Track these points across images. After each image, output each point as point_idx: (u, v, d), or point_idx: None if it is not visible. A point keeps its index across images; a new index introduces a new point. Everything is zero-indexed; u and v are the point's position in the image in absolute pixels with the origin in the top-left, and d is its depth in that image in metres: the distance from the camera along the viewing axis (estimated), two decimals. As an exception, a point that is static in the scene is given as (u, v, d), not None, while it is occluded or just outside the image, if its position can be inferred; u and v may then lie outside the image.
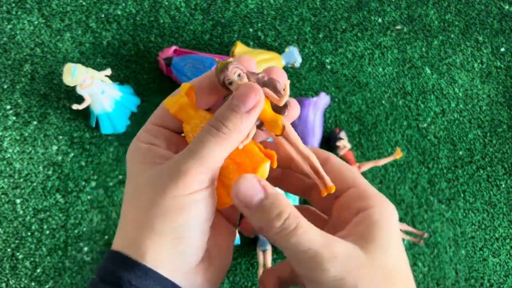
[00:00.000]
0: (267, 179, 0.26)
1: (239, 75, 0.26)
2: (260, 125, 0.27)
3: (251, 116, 0.25)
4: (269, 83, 0.27)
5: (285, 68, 0.75)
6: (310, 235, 0.23)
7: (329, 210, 0.28)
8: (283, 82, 0.27)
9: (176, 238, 0.24)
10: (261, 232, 0.25)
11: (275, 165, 0.27)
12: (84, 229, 0.68)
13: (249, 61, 0.28)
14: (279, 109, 0.27)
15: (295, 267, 0.24)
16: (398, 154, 0.68)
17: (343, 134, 0.69)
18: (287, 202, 0.24)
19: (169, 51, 0.71)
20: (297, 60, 0.72)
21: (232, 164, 0.26)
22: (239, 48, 0.71)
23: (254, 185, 0.24)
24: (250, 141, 0.27)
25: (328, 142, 0.71)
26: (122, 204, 0.27)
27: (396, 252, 0.24)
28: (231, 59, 0.27)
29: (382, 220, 0.25)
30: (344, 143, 0.68)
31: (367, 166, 0.68)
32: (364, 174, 0.71)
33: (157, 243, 0.24)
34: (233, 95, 0.26)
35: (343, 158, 0.69)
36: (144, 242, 0.24)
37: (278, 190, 0.27)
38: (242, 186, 0.24)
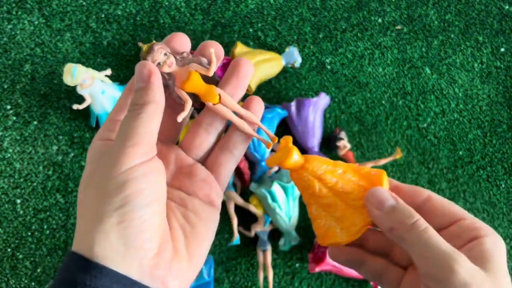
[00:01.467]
0: None
1: (165, 54, 0.28)
2: (197, 98, 0.29)
3: (151, 85, 0.27)
4: (195, 60, 0.29)
5: (285, 68, 0.75)
6: (439, 239, 0.26)
7: None
8: (209, 53, 0.29)
9: (120, 222, 0.24)
10: (390, 233, 0.27)
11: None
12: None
13: (180, 40, 0.30)
14: (211, 81, 0.29)
15: (420, 264, 0.26)
16: (398, 154, 0.68)
17: (343, 134, 0.69)
18: (416, 212, 0.27)
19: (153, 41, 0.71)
20: (297, 60, 0.72)
21: (357, 189, 0.29)
22: (239, 48, 0.71)
23: (385, 193, 0.28)
24: (187, 113, 0.29)
25: (328, 142, 0.71)
26: None
27: (509, 281, 0.26)
28: (153, 42, 0.28)
29: (496, 248, 0.27)
30: (344, 143, 0.69)
31: (367, 166, 0.69)
32: (364, 174, 0.71)
33: (104, 235, 0.24)
34: (131, 81, 0.29)
35: (343, 158, 0.69)
36: (92, 237, 0.24)
37: None
38: (375, 192, 0.28)
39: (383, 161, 0.69)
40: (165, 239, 0.26)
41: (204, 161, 0.31)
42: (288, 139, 0.30)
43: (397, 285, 0.30)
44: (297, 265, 0.67)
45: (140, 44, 0.29)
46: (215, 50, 0.29)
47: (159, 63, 0.28)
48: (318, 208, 0.30)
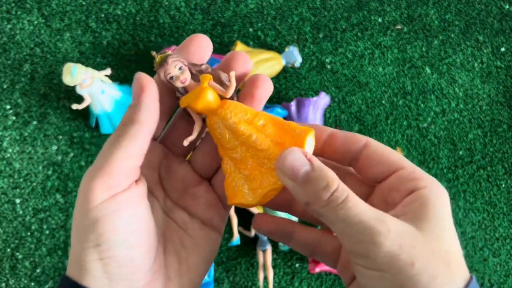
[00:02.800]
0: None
1: (180, 68, 0.25)
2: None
3: (141, 105, 0.24)
4: (213, 75, 0.26)
5: (285, 68, 0.75)
6: (361, 208, 0.22)
7: (367, 195, 0.27)
8: (234, 71, 0.26)
9: (100, 259, 0.23)
10: (307, 207, 0.23)
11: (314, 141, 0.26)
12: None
13: (198, 43, 0.26)
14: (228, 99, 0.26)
15: (343, 242, 0.23)
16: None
17: (343, 134, 0.69)
18: (334, 174, 0.23)
19: (168, 51, 0.71)
20: (297, 60, 0.72)
21: (273, 147, 0.25)
22: (239, 47, 0.71)
23: (299, 157, 0.23)
24: (196, 136, 0.26)
25: (328, 142, 0.71)
26: None
27: (451, 234, 0.23)
28: (170, 51, 0.26)
29: (436, 199, 0.24)
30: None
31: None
32: (364, 174, 0.71)
33: (88, 270, 0.23)
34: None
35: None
36: (79, 269, 0.23)
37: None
38: (287, 158, 0.23)
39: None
40: (158, 266, 0.25)
41: (212, 177, 0.29)
42: (207, 77, 0.25)
43: (335, 257, 0.27)
44: (297, 265, 0.67)
45: (154, 54, 0.26)
46: (240, 65, 0.26)
47: (171, 77, 0.25)
48: (229, 163, 0.26)
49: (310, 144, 0.25)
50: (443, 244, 0.23)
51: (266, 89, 0.27)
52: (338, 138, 0.27)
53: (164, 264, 0.26)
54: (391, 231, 0.22)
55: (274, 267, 0.67)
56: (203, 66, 0.26)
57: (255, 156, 0.25)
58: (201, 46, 0.27)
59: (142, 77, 0.25)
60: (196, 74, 0.26)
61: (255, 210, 0.64)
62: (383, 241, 0.21)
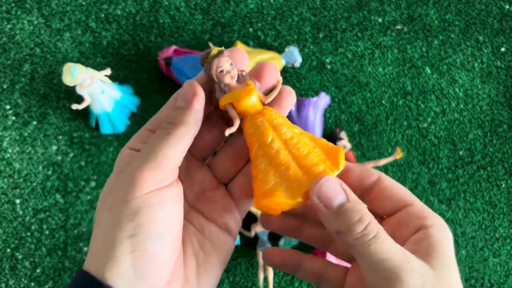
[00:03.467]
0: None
1: (231, 64, 0.26)
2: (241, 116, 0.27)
3: (192, 109, 0.25)
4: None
5: (285, 68, 0.75)
6: (389, 245, 0.23)
7: None
8: (273, 79, 0.27)
9: (132, 251, 0.23)
10: (337, 236, 0.24)
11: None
12: (84, 229, 0.68)
13: (241, 55, 0.28)
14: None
15: (367, 275, 0.24)
16: (398, 154, 0.68)
17: (343, 134, 0.69)
18: (367, 209, 0.24)
19: (169, 51, 0.70)
20: (297, 60, 0.72)
21: (312, 152, 0.26)
22: (239, 47, 0.71)
23: (336, 187, 0.24)
24: (235, 129, 0.27)
25: (328, 142, 0.71)
26: None
27: (457, 272, 0.25)
28: (223, 48, 0.27)
29: (443, 239, 0.25)
30: (344, 143, 0.68)
31: (368, 166, 0.68)
32: (364, 174, 0.71)
33: (115, 262, 0.23)
34: (176, 94, 0.27)
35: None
36: (103, 262, 0.23)
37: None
38: (323, 185, 0.24)
39: (383, 161, 0.69)
40: (178, 267, 0.25)
41: (229, 182, 0.29)
42: (251, 82, 0.27)
43: (340, 286, 0.28)
44: (297, 265, 0.67)
45: (211, 44, 0.27)
46: (270, 75, 0.28)
47: (222, 71, 0.26)
48: (265, 161, 0.26)
49: (343, 160, 0.26)
50: (452, 282, 0.24)
51: (292, 100, 0.29)
52: (353, 171, 0.28)
53: (184, 265, 0.26)
54: (414, 270, 0.23)
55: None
56: (244, 72, 0.27)
57: (296, 158, 0.26)
58: (242, 58, 0.28)
59: (195, 84, 0.26)
60: (240, 76, 0.27)
61: (255, 210, 0.65)
62: (407, 279, 0.23)
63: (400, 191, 0.27)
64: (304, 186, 0.25)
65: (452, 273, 0.25)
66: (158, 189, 0.24)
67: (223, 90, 0.27)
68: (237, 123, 0.27)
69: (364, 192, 0.28)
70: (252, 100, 0.26)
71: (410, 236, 0.26)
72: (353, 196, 0.24)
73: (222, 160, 0.29)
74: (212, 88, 0.27)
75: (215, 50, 0.26)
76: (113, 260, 0.23)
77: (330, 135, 0.71)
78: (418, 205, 0.27)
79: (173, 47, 0.71)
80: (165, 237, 0.24)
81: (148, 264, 0.23)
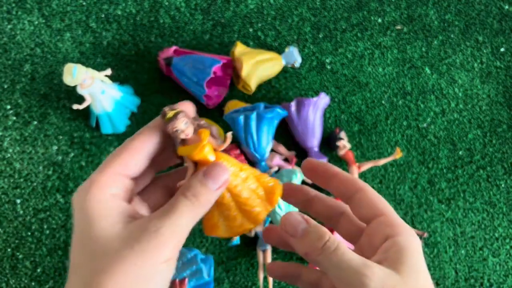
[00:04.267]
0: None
1: (185, 123, 0.30)
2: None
3: (219, 191, 0.30)
4: (208, 129, 0.32)
5: (285, 68, 0.75)
6: (349, 255, 0.27)
7: (356, 237, 0.32)
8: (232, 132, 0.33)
9: None
10: (306, 257, 0.28)
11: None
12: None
13: (188, 107, 0.32)
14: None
15: (336, 284, 0.27)
16: (398, 154, 0.68)
17: (343, 134, 0.69)
18: (326, 229, 0.28)
19: (169, 51, 0.71)
20: (297, 60, 0.72)
21: (252, 198, 0.32)
22: (239, 48, 0.71)
23: (298, 218, 0.29)
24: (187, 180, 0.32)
25: (328, 142, 0.71)
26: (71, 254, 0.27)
27: (425, 274, 0.28)
28: (179, 108, 0.31)
29: (409, 246, 0.28)
30: (344, 143, 0.69)
31: (367, 166, 0.69)
32: (364, 174, 0.71)
33: None
34: (204, 171, 0.30)
35: (343, 158, 0.69)
36: None
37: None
38: (288, 220, 0.29)
39: (383, 161, 0.69)
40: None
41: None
42: (207, 133, 0.31)
43: None
44: (297, 265, 0.67)
45: (166, 109, 0.30)
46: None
47: (177, 130, 0.30)
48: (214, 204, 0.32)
49: (278, 194, 0.32)
50: (418, 284, 0.27)
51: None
52: (342, 177, 0.32)
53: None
54: (375, 274, 0.26)
55: (274, 267, 0.67)
56: (202, 122, 0.31)
57: (237, 203, 0.32)
58: (189, 109, 0.32)
59: (228, 172, 0.31)
60: (196, 128, 0.31)
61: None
62: (369, 283, 0.25)
63: (377, 202, 0.31)
64: (242, 225, 0.32)
65: (420, 276, 0.27)
66: (170, 258, 0.28)
67: (181, 143, 0.31)
68: (190, 172, 0.31)
69: (348, 198, 0.32)
70: (203, 154, 0.31)
71: (381, 244, 0.29)
72: (312, 221, 0.29)
73: (155, 192, 0.34)
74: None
75: (170, 114, 0.30)
76: None
77: (330, 135, 0.71)
78: (389, 215, 0.30)
79: (174, 47, 0.71)
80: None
81: None
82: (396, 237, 0.29)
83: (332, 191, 0.33)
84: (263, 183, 0.33)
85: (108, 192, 0.28)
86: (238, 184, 0.32)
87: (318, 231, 0.28)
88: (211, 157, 0.31)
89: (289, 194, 0.35)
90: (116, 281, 0.25)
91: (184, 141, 0.31)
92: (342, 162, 0.71)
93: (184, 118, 0.30)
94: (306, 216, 0.29)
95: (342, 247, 0.27)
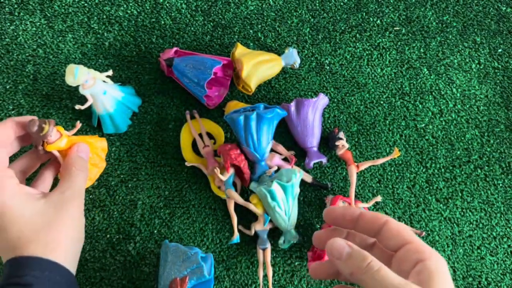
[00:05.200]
0: None
1: (55, 131, 0.55)
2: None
3: (87, 158, 0.60)
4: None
5: (285, 69, 0.75)
6: (392, 275, 0.31)
7: (388, 263, 0.35)
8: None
9: None
10: (351, 277, 0.32)
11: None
12: (86, 228, 0.69)
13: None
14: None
15: None
16: (396, 154, 0.69)
17: (342, 134, 0.70)
18: (367, 253, 0.32)
19: (170, 52, 0.71)
20: (296, 62, 0.73)
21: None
22: (239, 49, 0.71)
23: (341, 244, 0.33)
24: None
25: (327, 142, 0.72)
26: None
27: None
28: (46, 121, 0.55)
29: (439, 269, 0.32)
30: (343, 143, 0.69)
31: (366, 165, 0.69)
32: (363, 173, 0.72)
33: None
34: (77, 150, 0.57)
35: (341, 157, 0.70)
36: None
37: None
38: (333, 245, 0.33)
39: (381, 161, 0.70)
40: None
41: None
42: (61, 129, 0.54)
43: None
44: (296, 263, 0.68)
45: (39, 123, 0.53)
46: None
47: (50, 136, 0.53)
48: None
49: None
50: None
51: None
52: (366, 216, 0.36)
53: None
54: None
55: (273, 265, 0.67)
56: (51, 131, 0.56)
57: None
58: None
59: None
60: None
61: (256, 210, 0.65)
62: None
63: (403, 231, 0.34)
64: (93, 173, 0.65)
65: None
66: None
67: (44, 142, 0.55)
68: (59, 156, 0.58)
69: (376, 232, 0.36)
70: (56, 146, 0.55)
71: (412, 268, 0.33)
72: (355, 246, 0.33)
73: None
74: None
75: (46, 127, 0.53)
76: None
77: (329, 135, 0.71)
78: (416, 242, 0.34)
79: (174, 49, 0.72)
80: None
81: None
82: (426, 261, 0.32)
83: (359, 231, 0.37)
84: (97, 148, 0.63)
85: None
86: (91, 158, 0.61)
87: (362, 253, 0.32)
88: (63, 143, 0.56)
89: (337, 220, 0.39)
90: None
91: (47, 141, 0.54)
92: (341, 162, 0.72)
93: (54, 127, 0.52)
94: (349, 242, 0.33)
95: (384, 268, 0.31)
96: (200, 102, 0.71)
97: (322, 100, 0.71)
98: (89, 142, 0.62)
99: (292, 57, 0.73)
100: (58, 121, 0.72)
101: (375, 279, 0.30)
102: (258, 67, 0.70)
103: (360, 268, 0.31)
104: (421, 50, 0.79)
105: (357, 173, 0.70)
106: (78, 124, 0.58)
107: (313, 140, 0.69)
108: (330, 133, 0.71)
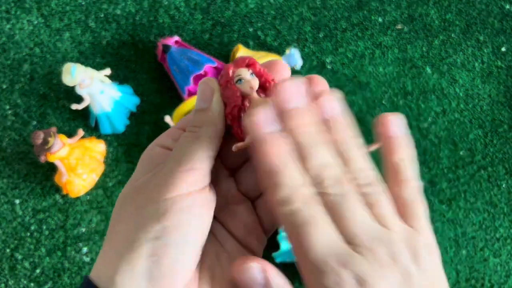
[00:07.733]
0: None
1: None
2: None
3: (213, 109, 0.25)
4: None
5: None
6: None
7: None
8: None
9: (151, 255, 0.22)
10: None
11: None
12: (84, 229, 0.68)
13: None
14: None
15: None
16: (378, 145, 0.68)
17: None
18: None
19: (171, 40, 0.71)
20: (298, 63, 0.72)
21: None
22: (242, 51, 0.71)
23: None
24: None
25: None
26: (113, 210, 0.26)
27: None
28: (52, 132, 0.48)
29: None
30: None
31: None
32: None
33: (131, 266, 0.22)
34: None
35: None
36: (117, 265, 0.22)
37: None
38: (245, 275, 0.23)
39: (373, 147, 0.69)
40: (193, 280, 0.24)
41: (256, 199, 0.28)
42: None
43: None
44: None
45: (43, 135, 0.44)
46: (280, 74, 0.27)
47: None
48: None
49: None
50: None
51: (285, 75, 0.28)
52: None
53: (198, 276, 0.24)
54: None
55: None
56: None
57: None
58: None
59: (211, 80, 0.25)
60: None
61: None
62: None
63: None
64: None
65: None
66: (189, 193, 0.23)
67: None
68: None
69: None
70: (58, 156, 0.54)
71: None
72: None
73: (249, 175, 0.27)
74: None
75: (51, 141, 0.53)
76: (128, 263, 0.22)
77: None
78: None
79: (176, 38, 0.71)
80: (188, 246, 0.23)
81: (165, 272, 0.22)
82: None
83: None
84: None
85: (160, 144, 0.26)
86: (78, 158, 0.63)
87: None
88: (65, 153, 0.63)
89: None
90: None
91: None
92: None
93: (57, 137, 0.54)
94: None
95: None
96: (182, 93, 0.70)
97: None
98: (88, 147, 0.62)
99: (294, 58, 0.72)
100: (55, 121, 0.71)
101: None
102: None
103: None
104: (424, 48, 0.78)
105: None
106: (81, 132, 0.57)
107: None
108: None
